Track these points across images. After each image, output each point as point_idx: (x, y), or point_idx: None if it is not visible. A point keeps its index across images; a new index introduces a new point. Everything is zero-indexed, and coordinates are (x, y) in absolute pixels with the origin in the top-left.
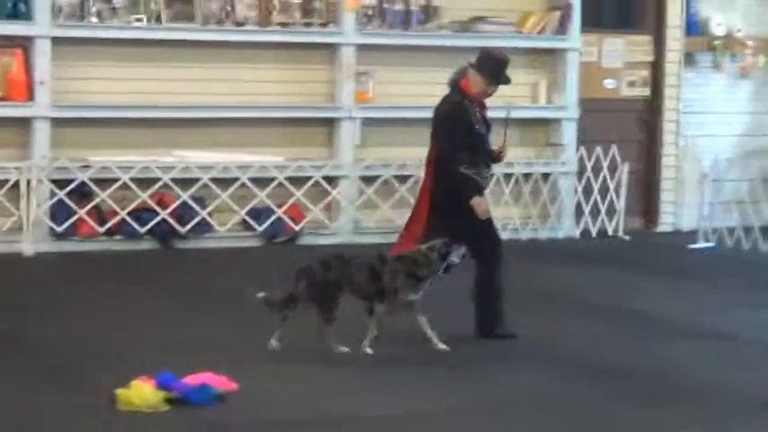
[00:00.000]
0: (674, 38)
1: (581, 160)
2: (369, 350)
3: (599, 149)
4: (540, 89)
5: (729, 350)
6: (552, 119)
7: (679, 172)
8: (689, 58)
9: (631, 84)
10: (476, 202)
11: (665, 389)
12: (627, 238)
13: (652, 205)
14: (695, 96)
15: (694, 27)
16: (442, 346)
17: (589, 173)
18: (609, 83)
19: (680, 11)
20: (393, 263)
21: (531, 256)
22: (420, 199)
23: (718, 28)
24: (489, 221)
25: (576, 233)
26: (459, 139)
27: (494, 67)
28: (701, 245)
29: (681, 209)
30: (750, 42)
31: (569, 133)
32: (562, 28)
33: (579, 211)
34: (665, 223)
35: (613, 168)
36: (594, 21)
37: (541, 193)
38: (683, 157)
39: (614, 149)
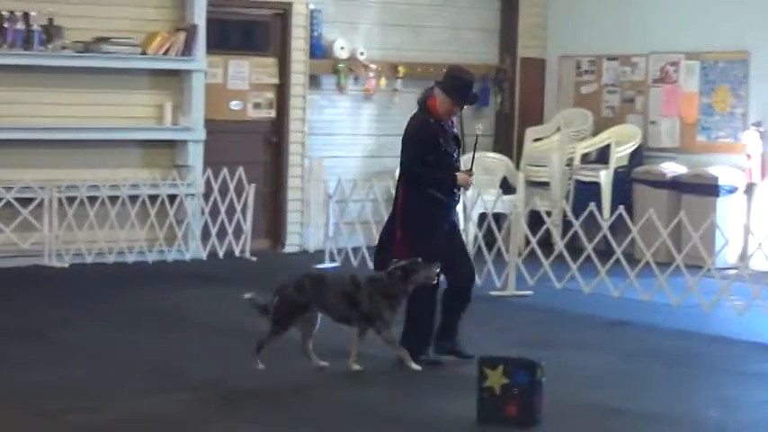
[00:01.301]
0: (299, 60)
1: (208, 182)
2: (356, 366)
3: (225, 171)
4: (165, 110)
5: (362, 367)
6: (178, 140)
7: (305, 193)
8: (313, 81)
9: (257, 105)
10: (460, 178)
11: (293, 408)
12: (254, 259)
13: (278, 226)
14: (320, 118)
15: (318, 50)
16: (415, 366)
17: (216, 194)
18: (235, 104)
19: (304, 34)
20: (366, 286)
21: (159, 278)
22: (391, 219)
23: (341, 51)
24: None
25: (204, 255)
26: (420, 154)
27: (459, 87)
28: (326, 264)
29: (307, 229)
30: (373, 65)
31: (196, 155)
32: (187, 49)
33: (206, 233)
34: (292, 244)
35: (240, 190)
36: (220, 42)
37: (168, 215)
38: (308, 178)
39: (241, 171)
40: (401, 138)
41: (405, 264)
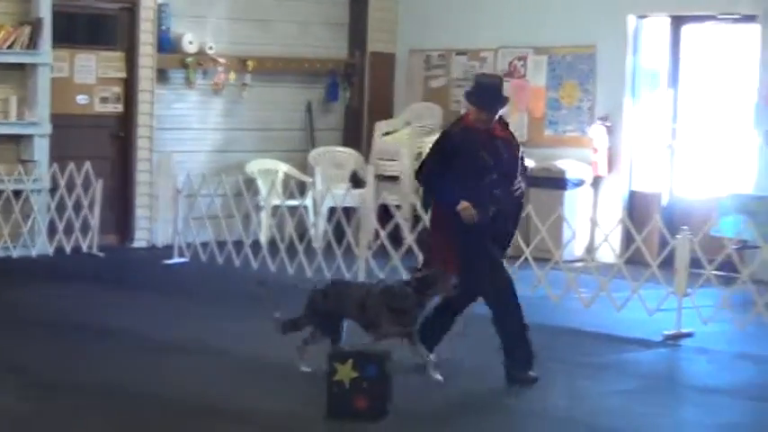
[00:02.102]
0: (147, 54)
1: (54, 177)
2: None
3: (72, 166)
4: (10, 104)
5: (206, 364)
6: (24, 135)
7: (153, 188)
8: (162, 75)
9: (104, 100)
10: (461, 207)
11: (138, 404)
12: (102, 254)
13: (126, 221)
14: (169, 113)
15: (166, 44)
16: (438, 377)
17: (63, 190)
18: (81, 99)
19: (152, 28)
20: (377, 296)
21: (4, 275)
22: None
23: (189, 45)
24: (483, 250)
25: (50, 251)
26: (431, 163)
27: (480, 92)
28: (175, 260)
29: (155, 224)
30: (221, 60)
31: (42, 149)
32: (33, 43)
33: (53, 229)
34: (141, 239)
35: (87, 185)
36: (66, 36)
37: (13, 211)
38: (156, 173)
39: (88, 166)
40: None
41: (421, 275)
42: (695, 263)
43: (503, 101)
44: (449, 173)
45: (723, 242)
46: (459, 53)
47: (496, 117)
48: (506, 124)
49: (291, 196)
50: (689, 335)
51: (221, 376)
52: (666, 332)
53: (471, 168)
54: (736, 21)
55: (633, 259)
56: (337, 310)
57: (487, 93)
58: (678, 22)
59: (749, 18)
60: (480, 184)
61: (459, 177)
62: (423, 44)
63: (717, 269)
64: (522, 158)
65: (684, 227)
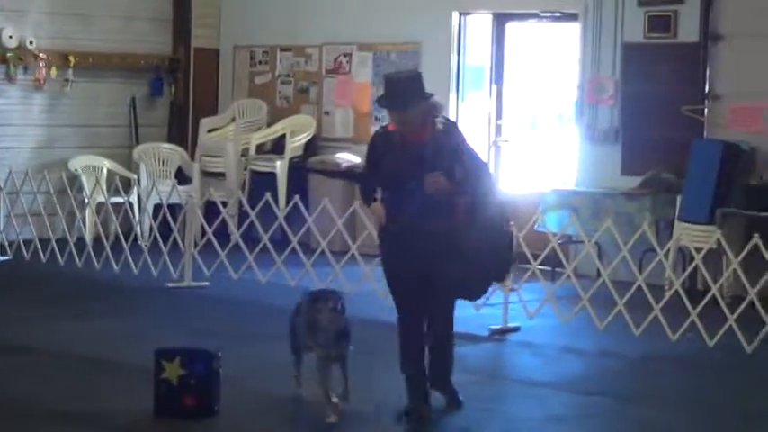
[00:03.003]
0: None
1: None
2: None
3: None
4: None
5: (31, 363)
6: None
7: None
8: None
9: None
10: (371, 208)
11: None
12: None
13: None
14: None
15: None
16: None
17: None
18: None
19: None
20: (299, 315)
21: None
22: None
23: (9, 40)
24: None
25: None
26: (364, 168)
27: (385, 92)
28: None
29: None
30: (42, 55)
31: None
32: None
33: None
34: None
35: None
36: None
37: None
38: None
39: None
40: None
41: (312, 292)
42: (521, 258)
43: (412, 98)
44: (376, 179)
45: (548, 237)
46: (285, 49)
47: (433, 118)
48: (450, 125)
49: (116, 193)
50: (515, 329)
51: (48, 377)
52: (493, 327)
53: (388, 174)
54: (557, 19)
55: None
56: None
57: (392, 91)
58: (501, 19)
59: (570, 16)
60: (401, 192)
61: (381, 184)
62: (247, 40)
63: (542, 264)
64: (477, 170)
65: (510, 222)
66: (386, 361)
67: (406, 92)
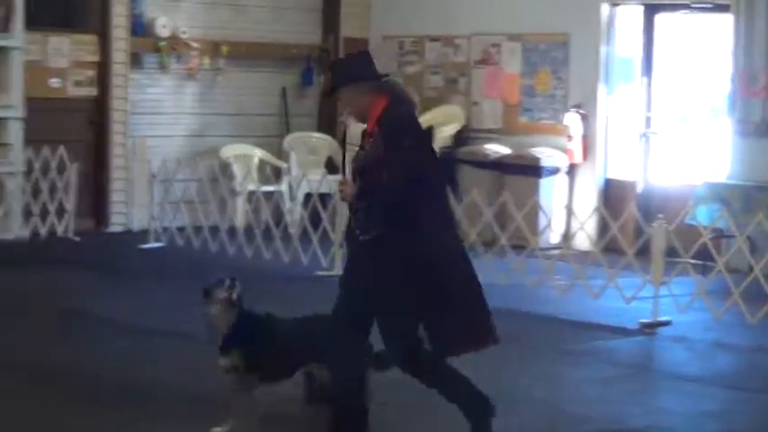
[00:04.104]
0: (120, 38)
1: (29, 161)
2: None
3: (47, 150)
4: None
5: (180, 348)
6: None
7: (128, 172)
8: (135, 59)
9: (78, 83)
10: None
11: (108, 389)
12: (77, 239)
13: (102, 206)
14: (143, 97)
15: (140, 28)
16: None
17: (37, 173)
18: (55, 82)
19: (125, 11)
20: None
21: None
22: None
23: (163, 29)
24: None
25: (26, 234)
26: None
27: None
28: (151, 245)
29: (131, 209)
30: (195, 44)
31: (15, 133)
32: (5, 26)
33: (28, 213)
34: (116, 224)
35: (62, 169)
36: (39, 19)
37: None
38: (131, 157)
39: (62, 150)
40: None
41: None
42: (671, 251)
43: (339, 80)
44: None
45: (699, 231)
46: (433, 39)
47: (383, 104)
48: (389, 113)
49: (267, 182)
50: (666, 323)
51: (196, 362)
52: (643, 320)
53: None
54: (709, 10)
55: (609, 247)
56: None
57: (331, 74)
58: (651, 10)
59: (722, 7)
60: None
61: None
62: (396, 30)
63: (693, 258)
64: (384, 163)
65: (660, 215)
66: (540, 355)
67: (337, 74)
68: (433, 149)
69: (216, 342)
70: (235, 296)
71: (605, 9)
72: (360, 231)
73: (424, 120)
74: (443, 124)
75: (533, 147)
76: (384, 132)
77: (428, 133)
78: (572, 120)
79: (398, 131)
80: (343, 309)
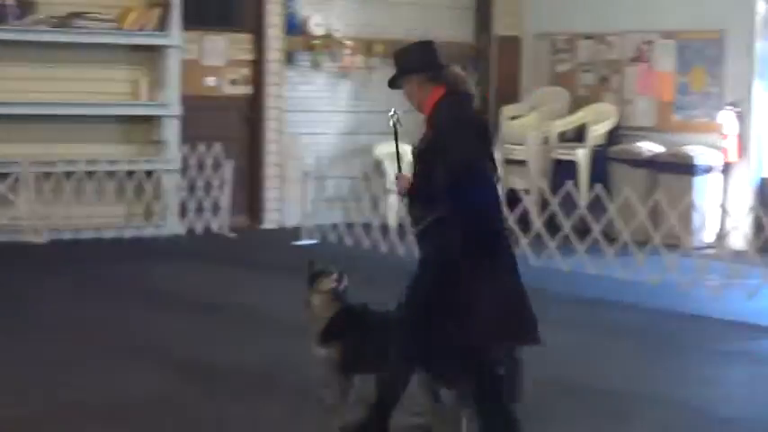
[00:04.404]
0: (275, 37)
1: (185, 158)
2: None
3: (202, 147)
4: (141, 86)
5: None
6: (154, 116)
7: (282, 170)
8: (289, 57)
9: (234, 82)
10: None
11: (268, 385)
12: (232, 235)
13: (256, 203)
14: (297, 95)
15: (294, 26)
16: None
17: (193, 170)
18: (211, 80)
19: (279, 10)
20: None
21: (137, 254)
22: None
23: (316, 28)
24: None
25: (182, 231)
26: None
27: None
28: (304, 241)
29: (285, 206)
30: (348, 42)
31: (172, 130)
32: (163, 25)
33: (184, 209)
34: (270, 220)
35: (217, 166)
36: (196, 18)
37: (145, 191)
38: (285, 154)
39: (218, 147)
40: None
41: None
42: None
43: (398, 73)
44: None
45: None
46: (586, 37)
47: (437, 97)
48: (442, 107)
49: None
50: None
51: None
52: None
53: None
54: None
55: (765, 246)
56: None
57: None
58: None
59: None
60: None
61: None
62: (548, 28)
63: None
64: (448, 170)
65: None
66: (694, 355)
67: (397, 64)
68: (486, 140)
69: (312, 330)
70: (341, 289)
71: (761, 5)
72: (413, 223)
73: (577, 117)
74: (595, 122)
75: (687, 145)
76: (434, 122)
77: (480, 125)
78: (727, 118)
79: (446, 122)
80: (405, 306)
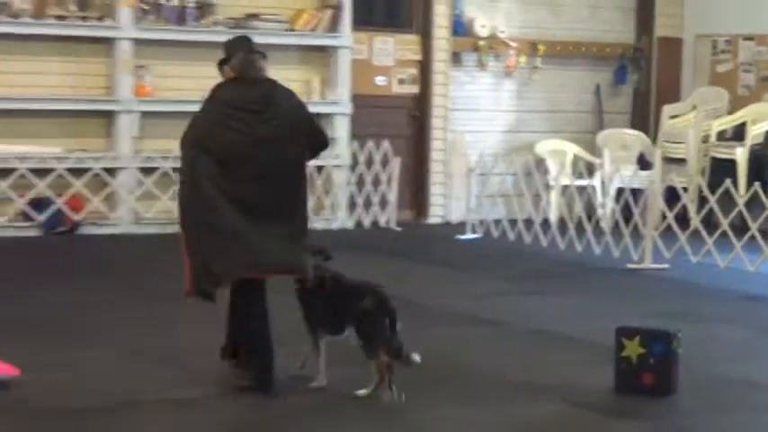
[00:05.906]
0: (441, 37)
1: (354, 154)
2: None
3: (371, 144)
4: (313, 85)
5: (495, 336)
6: (325, 114)
7: (447, 166)
8: (455, 58)
9: (401, 81)
10: None
11: (429, 374)
12: (399, 229)
13: (422, 198)
14: (462, 94)
15: (460, 28)
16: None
17: (362, 166)
18: (380, 80)
19: (446, 12)
20: None
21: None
22: None
23: (482, 29)
24: None
25: (351, 224)
26: None
27: None
28: (468, 236)
29: (449, 201)
30: (512, 43)
31: (342, 128)
32: (334, 26)
33: (353, 204)
34: (435, 215)
35: (385, 162)
36: (365, 20)
37: (316, 186)
38: (450, 151)
39: (386, 144)
40: None
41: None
42: None
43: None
44: None
45: None
46: (747, 38)
47: None
48: None
49: (580, 176)
50: None
51: (509, 348)
52: None
53: None
54: None
55: None
56: None
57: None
58: None
59: None
60: None
61: None
62: (709, 29)
63: None
64: None
65: None
66: None
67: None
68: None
69: None
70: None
71: None
72: None
73: (736, 117)
74: (755, 122)
75: None
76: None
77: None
78: None
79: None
80: None
